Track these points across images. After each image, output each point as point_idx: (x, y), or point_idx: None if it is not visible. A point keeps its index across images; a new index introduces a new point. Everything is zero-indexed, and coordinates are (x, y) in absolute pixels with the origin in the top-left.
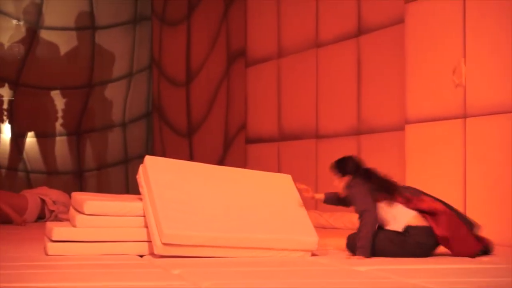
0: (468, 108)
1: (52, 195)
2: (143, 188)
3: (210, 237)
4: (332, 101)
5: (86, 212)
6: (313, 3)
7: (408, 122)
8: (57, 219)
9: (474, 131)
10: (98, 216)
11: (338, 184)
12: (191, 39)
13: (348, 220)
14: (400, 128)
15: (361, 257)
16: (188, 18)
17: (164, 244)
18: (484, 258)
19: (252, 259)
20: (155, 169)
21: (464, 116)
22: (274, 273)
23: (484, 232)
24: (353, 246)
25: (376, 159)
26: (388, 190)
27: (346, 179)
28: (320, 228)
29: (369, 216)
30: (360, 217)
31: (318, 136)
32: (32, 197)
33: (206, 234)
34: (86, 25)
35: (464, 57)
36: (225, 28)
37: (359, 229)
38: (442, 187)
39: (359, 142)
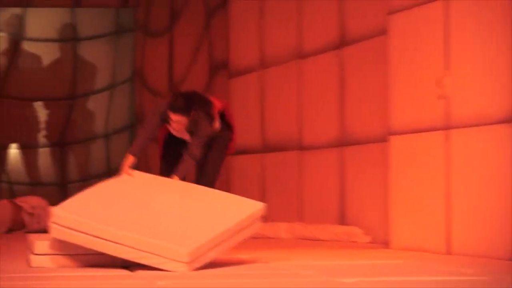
0: (452, 120)
1: (31, 201)
2: None
3: (95, 227)
4: (315, 112)
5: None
6: (296, 14)
7: (392, 133)
8: (37, 220)
9: (458, 142)
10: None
11: (180, 126)
12: (174, 50)
13: (332, 232)
14: (384, 140)
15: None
16: (171, 29)
17: (53, 222)
18: (468, 270)
19: (242, 271)
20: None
21: (448, 128)
22: (259, 284)
23: (465, 245)
24: None
25: (360, 170)
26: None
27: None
28: (305, 240)
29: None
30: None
31: (301, 147)
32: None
33: (93, 223)
34: (69, 37)
35: (448, 68)
36: (207, 39)
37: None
38: (426, 198)
39: (342, 153)
